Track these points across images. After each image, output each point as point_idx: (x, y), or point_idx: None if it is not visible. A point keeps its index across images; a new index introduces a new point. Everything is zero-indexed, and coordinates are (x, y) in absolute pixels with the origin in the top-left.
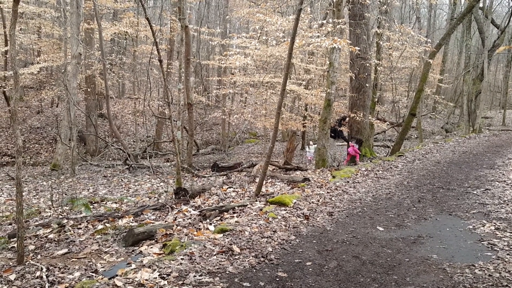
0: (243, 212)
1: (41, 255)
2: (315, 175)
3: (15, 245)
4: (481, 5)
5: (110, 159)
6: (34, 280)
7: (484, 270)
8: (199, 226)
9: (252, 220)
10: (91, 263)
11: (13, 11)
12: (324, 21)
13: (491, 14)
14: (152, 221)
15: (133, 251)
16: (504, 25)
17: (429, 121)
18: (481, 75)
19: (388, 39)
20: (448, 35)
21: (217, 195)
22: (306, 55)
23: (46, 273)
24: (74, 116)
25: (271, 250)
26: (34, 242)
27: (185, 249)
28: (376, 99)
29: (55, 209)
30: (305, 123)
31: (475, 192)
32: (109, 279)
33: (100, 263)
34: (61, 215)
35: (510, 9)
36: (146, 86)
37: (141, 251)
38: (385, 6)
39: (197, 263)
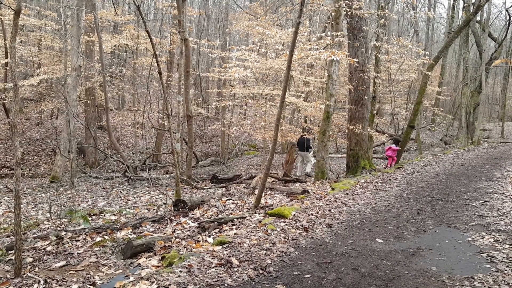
0: (242, 224)
1: (39, 268)
2: (314, 187)
3: (13, 257)
4: (478, 18)
5: (109, 171)
6: None
7: (483, 283)
8: (198, 238)
9: (251, 232)
10: (89, 275)
11: (13, 23)
12: (323, 34)
13: (489, 27)
14: (150, 233)
15: (131, 263)
16: (502, 38)
17: (428, 133)
18: (479, 87)
19: (387, 52)
20: (446, 48)
21: (216, 207)
22: (305, 68)
23: (44, 285)
24: (73, 128)
25: (270, 262)
26: (32, 255)
27: (184, 261)
28: (375, 111)
29: (54, 221)
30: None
31: (474, 204)
32: None
33: (98, 275)
34: (60, 227)
35: (507, 23)
36: (146, 98)
37: (139, 264)
38: (383, 20)
39: (196, 276)
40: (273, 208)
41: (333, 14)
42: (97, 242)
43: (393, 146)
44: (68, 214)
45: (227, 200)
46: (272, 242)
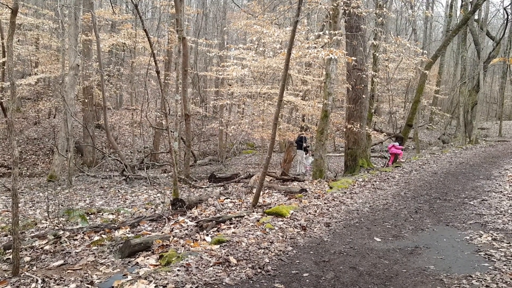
0: (240, 223)
1: (36, 267)
2: (312, 185)
3: (11, 256)
4: (476, 17)
5: (107, 170)
6: None
7: (481, 281)
8: (196, 237)
9: (249, 231)
10: (87, 274)
11: (10, 22)
12: (321, 33)
13: (486, 26)
14: (148, 232)
15: (129, 262)
16: (499, 37)
17: (426, 132)
18: (477, 86)
19: (385, 51)
20: (444, 47)
21: (214, 206)
22: (303, 66)
23: (42, 285)
24: (71, 127)
25: (268, 261)
26: (30, 254)
27: (182, 260)
28: (373, 110)
29: (51, 220)
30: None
31: (472, 202)
32: None
33: (96, 274)
34: (57, 226)
35: (505, 21)
36: (144, 97)
37: (137, 263)
38: (381, 18)
39: (194, 275)
40: (271, 207)
41: (331, 12)
42: (95, 241)
43: (396, 144)
44: (66, 213)
45: (225, 199)
46: (270, 241)
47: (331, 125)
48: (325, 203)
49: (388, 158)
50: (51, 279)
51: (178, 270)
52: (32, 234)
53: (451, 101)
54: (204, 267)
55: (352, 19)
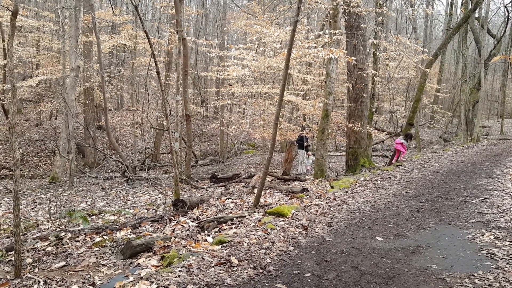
0: (242, 223)
1: (38, 268)
2: (313, 185)
3: (13, 258)
4: (477, 15)
5: (109, 171)
6: None
7: (483, 280)
8: (197, 237)
9: (251, 231)
10: (88, 276)
11: (11, 24)
12: (321, 32)
13: (487, 24)
14: (150, 233)
15: (131, 263)
16: (500, 34)
17: (427, 131)
18: (478, 84)
19: (385, 50)
20: (444, 45)
21: (215, 206)
22: (304, 66)
23: (44, 286)
24: (72, 129)
25: (269, 261)
26: (32, 255)
27: (183, 261)
28: (374, 109)
29: (53, 221)
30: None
31: (474, 201)
32: None
33: (97, 275)
34: (59, 227)
35: (506, 19)
36: (145, 98)
37: (139, 264)
38: (381, 17)
39: (195, 275)
40: (272, 207)
41: (331, 12)
42: (96, 243)
43: (405, 143)
44: (68, 214)
45: (226, 199)
46: (272, 241)
47: (332, 125)
48: (326, 202)
49: (393, 152)
50: (53, 280)
51: (180, 271)
52: (34, 236)
53: (452, 100)
54: (205, 268)
55: (352, 18)
